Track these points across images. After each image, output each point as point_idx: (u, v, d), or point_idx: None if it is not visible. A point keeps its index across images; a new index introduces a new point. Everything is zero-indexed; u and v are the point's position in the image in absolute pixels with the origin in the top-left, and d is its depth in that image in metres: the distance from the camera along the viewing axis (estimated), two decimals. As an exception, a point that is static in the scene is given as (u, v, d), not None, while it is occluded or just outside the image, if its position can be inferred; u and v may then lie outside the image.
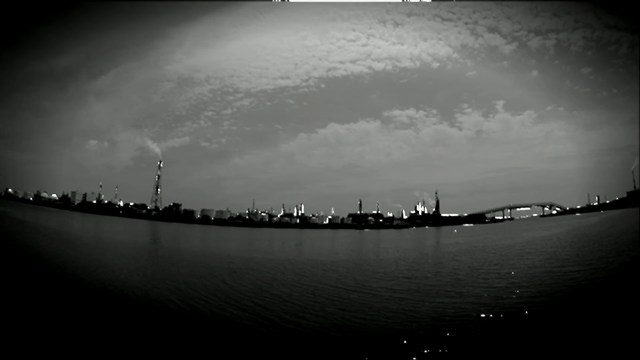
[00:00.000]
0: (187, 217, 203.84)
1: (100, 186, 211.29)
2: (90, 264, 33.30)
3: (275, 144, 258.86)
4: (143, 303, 21.70)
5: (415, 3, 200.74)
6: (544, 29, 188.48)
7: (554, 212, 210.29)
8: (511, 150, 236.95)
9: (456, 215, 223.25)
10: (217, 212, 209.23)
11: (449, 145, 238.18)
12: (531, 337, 15.64)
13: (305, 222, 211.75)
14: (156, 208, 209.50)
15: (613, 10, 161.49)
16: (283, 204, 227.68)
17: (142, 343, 15.37)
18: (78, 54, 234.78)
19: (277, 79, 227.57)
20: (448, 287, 25.57)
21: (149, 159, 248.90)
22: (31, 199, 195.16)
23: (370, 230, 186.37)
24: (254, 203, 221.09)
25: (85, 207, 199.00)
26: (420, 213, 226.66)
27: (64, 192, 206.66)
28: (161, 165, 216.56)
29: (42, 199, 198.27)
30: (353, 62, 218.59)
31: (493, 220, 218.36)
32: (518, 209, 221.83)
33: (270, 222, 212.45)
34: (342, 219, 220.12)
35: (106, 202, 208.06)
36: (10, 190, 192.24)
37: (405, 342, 15.54)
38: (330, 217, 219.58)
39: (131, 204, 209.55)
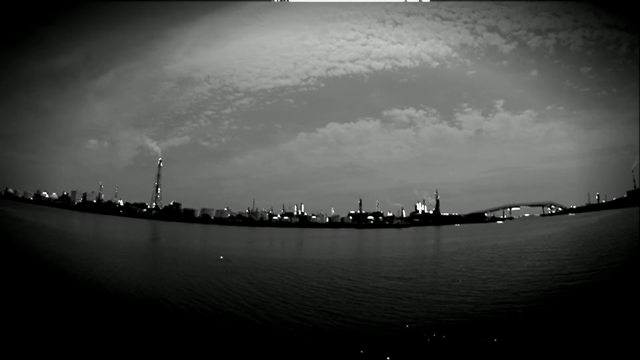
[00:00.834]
0: (187, 216, 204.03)
1: (101, 185, 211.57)
2: (90, 263, 33.35)
3: (275, 143, 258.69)
4: (141, 302, 21.73)
5: (415, 3, 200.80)
6: (543, 28, 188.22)
7: (554, 211, 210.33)
8: (511, 150, 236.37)
9: (456, 214, 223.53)
10: (217, 211, 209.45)
11: (448, 144, 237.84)
12: (529, 337, 15.57)
13: (305, 222, 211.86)
14: (156, 207, 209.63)
15: (613, 10, 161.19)
16: (283, 204, 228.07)
17: (138, 341, 15.35)
18: (78, 54, 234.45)
19: (277, 79, 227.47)
20: (444, 288, 25.47)
21: (149, 159, 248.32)
22: (31, 198, 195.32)
23: (370, 229, 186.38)
24: (254, 202, 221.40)
25: (86, 206, 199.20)
26: (420, 212, 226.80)
27: (64, 192, 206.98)
28: (161, 164, 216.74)
29: (42, 199, 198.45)
30: (352, 61, 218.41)
31: (493, 219, 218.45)
32: (518, 209, 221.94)
33: (270, 222, 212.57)
34: (342, 218, 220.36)
35: (106, 201, 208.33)
36: (10, 189, 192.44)
37: (400, 343, 15.48)
38: (330, 216, 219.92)
39: (131, 203, 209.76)
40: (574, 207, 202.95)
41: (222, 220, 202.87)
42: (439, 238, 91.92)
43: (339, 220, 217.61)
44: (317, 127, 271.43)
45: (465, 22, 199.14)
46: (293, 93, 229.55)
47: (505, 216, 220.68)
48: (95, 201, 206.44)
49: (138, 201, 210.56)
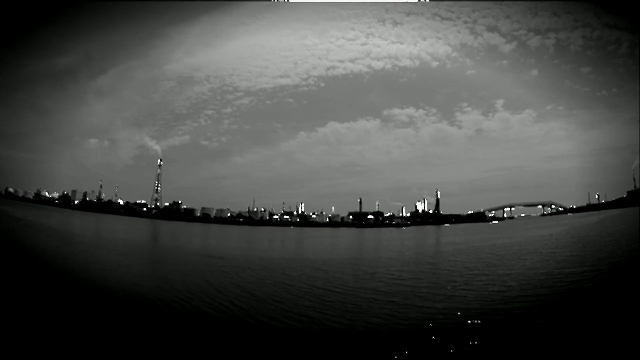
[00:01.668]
0: (187, 215, 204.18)
1: (101, 185, 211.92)
2: (89, 262, 33.43)
3: (275, 142, 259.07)
4: (139, 301, 21.74)
5: (414, 2, 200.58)
6: (543, 28, 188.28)
7: (554, 211, 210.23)
8: (511, 149, 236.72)
9: (456, 213, 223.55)
10: (217, 210, 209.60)
11: (448, 143, 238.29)
12: (526, 339, 15.52)
13: (305, 221, 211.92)
14: (156, 206, 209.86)
15: (612, 10, 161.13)
16: (283, 203, 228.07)
17: (134, 340, 15.34)
18: (78, 54, 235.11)
19: (277, 78, 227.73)
20: (439, 290, 25.13)
21: (149, 158, 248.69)
22: (31, 197, 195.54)
23: (370, 228, 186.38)
24: (254, 201, 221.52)
25: (86, 205, 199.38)
26: (420, 211, 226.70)
27: (64, 191, 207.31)
28: (161, 163, 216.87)
29: (42, 198, 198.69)
30: (352, 61, 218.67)
31: (493, 219, 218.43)
32: (518, 208, 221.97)
33: (270, 221, 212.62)
34: (342, 217, 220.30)
35: (106, 200, 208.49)
36: (10, 189, 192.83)
37: (393, 344, 15.42)
38: (330, 215, 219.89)
39: (131, 202, 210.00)
40: (574, 206, 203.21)
41: (222, 220, 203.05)
42: (438, 237, 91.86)
43: (339, 220, 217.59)
44: (317, 127, 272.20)
45: (465, 22, 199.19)
46: (293, 92, 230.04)
47: (505, 215, 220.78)
48: (95, 200, 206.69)
49: (138, 200, 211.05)
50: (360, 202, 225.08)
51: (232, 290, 25.14)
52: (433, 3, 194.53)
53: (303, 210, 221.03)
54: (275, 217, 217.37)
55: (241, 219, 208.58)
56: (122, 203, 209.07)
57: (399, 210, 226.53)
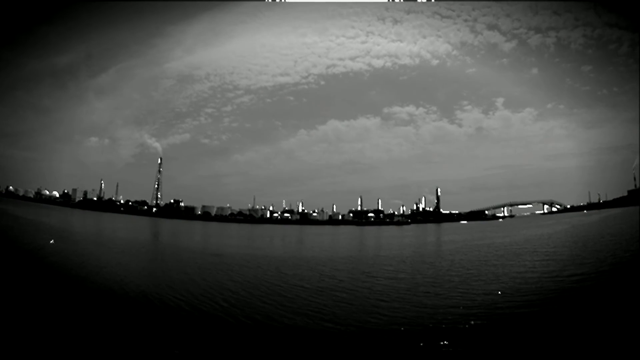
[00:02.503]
0: (188, 213, 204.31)
1: (101, 183, 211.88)
2: (89, 261, 33.49)
3: (276, 140, 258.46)
4: (137, 300, 21.79)
5: (414, 1, 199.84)
6: (543, 26, 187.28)
7: (555, 209, 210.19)
8: (511, 148, 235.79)
9: (457, 212, 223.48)
10: (217, 208, 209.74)
11: (449, 142, 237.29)
12: (523, 340, 15.46)
13: (305, 219, 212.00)
14: (157, 205, 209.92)
15: (613, 9, 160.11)
16: (284, 200, 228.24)
17: (130, 339, 15.35)
18: (78, 52, 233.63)
19: (277, 76, 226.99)
20: (437, 289, 24.97)
21: (150, 156, 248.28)
22: (32, 196, 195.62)
23: (370, 226, 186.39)
24: (254, 199, 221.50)
25: (86, 204, 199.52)
26: (421, 210, 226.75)
27: (64, 190, 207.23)
28: (162, 162, 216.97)
29: (43, 197, 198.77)
30: (352, 59, 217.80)
31: (494, 217, 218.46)
32: (518, 207, 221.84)
33: (270, 219, 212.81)
34: (343, 215, 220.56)
35: (107, 199, 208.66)
36: (11, 188, 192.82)
37: (382, 346, 15.32)
38: (330, 213, 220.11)
39: (132, 200, 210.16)
40: (575, 205, 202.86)
41: (222, 218, 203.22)
42: (438, 236, 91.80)
43: (340, 218, 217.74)
44: (318, 125, 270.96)
45: (465, 20, 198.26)
46: (293, 90, 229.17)
47: (505, 214, 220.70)
48: (96, 199, 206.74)
49: (139, 199, 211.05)
50: (361, 200, 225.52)
51: (223, 289, 25.10)
52: (433, 2, 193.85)
53: (303, 208, 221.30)
54: (275, 215, 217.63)
55: (241, 217, 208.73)
56: (122, 201, 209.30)
57: (399, 208, 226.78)
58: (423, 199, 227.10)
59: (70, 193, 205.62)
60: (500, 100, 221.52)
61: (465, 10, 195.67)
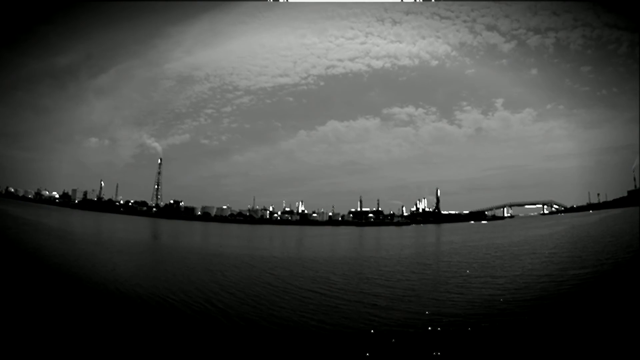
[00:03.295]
0: (188, 214, 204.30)
1: (101, 184, 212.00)
2: (89, 261, 33.51)
3: (275, 141, 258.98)
4: (135, 300, 21.79)
5: (413, 2, 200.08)
6: (543, 27, 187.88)
7: (554, 209, 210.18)
8: (511, 148, 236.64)
9: (456, 212, 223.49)
10: (217, 209, 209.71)
11: (448, 142, 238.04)
12: (520, 345, 15.36)
13: (305, 219, 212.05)
14: (157, 205, 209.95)
15: (612, 9, 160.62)
16: (283, 201, 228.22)
17: (127, 339, 15.33)
18: (78, 53, 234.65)
19: (277, 77, 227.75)
20: (432, 292, 24.61)
21: (150, 157, 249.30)
22: (32, 197, 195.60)
23: (370, 227, 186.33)
24: (254, 200, 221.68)
25: (86, 204, 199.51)
26: (420, 210, 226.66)
27: (64, 190, 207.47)
28: (161, 162, 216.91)
29: (43, 197, 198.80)
30: (352, 60, 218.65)
31: (494, 217, 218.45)
32: (518, 207, 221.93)
33: (270, 219, 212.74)
34: (343, 215, 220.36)
35: (107, 199, 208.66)
36: (10, 188, 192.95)
37: (368, 349, 15.20)
38: (330, 214, 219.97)
39: (132, 201, 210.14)
40: (574, 206, 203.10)
41: (222, 218, 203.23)
42: (437, 237, 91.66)
43: (339, 218, 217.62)
44: (317, 125, 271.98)
45: (465, 21, 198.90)
46: (293, 91, 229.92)
47: (505, 215, 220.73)
48: (95, 199, 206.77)
49: (139, 199, 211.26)
50: (361, 201, 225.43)
51: (213, 290, 25.08)
52: (432, 2, 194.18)
53: (303, 208, 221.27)
54: (275, 215, 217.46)
55: (241, 218, 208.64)
56: (122, 202, 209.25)
57: (399, 209, 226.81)
58: (423, 199, 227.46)
59: (70, 193, 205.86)
60: (499, 101, 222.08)
61: (464, 11, 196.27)
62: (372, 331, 17.16)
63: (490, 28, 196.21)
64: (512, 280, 27.04)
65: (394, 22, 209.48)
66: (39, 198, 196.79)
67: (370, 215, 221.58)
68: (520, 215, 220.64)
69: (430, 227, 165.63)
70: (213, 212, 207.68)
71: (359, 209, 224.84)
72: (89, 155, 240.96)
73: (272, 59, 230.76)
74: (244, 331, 17.38)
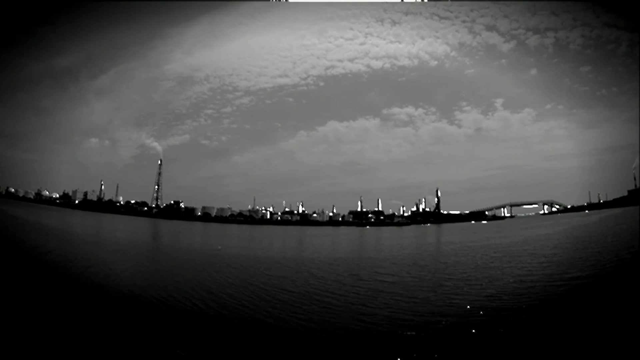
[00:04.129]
0: (188, 214, 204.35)
1: (101, 184, 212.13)
2: (89, 261, 33.57)
3: (275, 141, 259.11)
4: (134, 300, 21.87)
5: (412, 2, 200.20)
6: (542, 27, 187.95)
7: (554, 209, 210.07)
8: (511, 148, 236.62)
9: (457, 212, 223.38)
10: (217, 209, 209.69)
11: (448, 143, 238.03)
12: (518, 349, 15.29)
13: (306, 220, 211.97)
14: (157, 206, 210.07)
15: (612, 9, 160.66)
16: (284, 201, 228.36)
17: (125, 338, 15.36)
18: (78, 54, 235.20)
19: (276, 78, 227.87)
20: (427, 294, 24.30)
21: (150, 157, 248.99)
22: (32, 197, 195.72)
23: (370, 227, 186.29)
24: (254, 200, 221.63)
25: (86, 205, 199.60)
26: (421, 210, 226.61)
27: (64, 191, 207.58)
28: (162, 163, 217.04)
29: (43, 198, 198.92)
30: (351, 60, 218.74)
31: (494, 217, 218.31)
32: (519, 207, 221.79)
33: (271, 220, 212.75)
34: (343, 216, 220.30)
35: (107, 200, 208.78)
36: (11, 189, 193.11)
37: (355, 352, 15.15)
38: (331, 214, 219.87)
39: (132, 201, 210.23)
40: (575, 205, 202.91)
41: (222, 219, 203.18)
42: (436, 237, 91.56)
43: (340, 219, 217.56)
44: (317, 126, 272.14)
45: (464, 21, 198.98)
46: (292, 92, 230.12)
47: (505, 214, 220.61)
48: (96, 200, 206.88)
49: (139, 199, 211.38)
50: (361, 201, 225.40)
51: (209, 290, 25.13)
52: (431, 3, 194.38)
53: (303, 209, 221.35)
54: (275, 215, 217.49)
55: (242, 218, 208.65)
56: (122, 202, 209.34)
57: (399, 209, 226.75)
58: (423, 199, 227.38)
59: (70, 194, 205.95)
60: (499, 101, 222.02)
61: (463, 11, 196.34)
62: (364, 332, 17.13)
63: (489, 28, 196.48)
64: (511, 281, 26.92)
65: (393, 23, 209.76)
66: (39, 199, 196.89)
67: (371, 215, 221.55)
68: (521, 215, 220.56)
69: (430, 227, 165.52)
70: (213, 213, 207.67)
71: (359, 210, 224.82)
72: (89, 155, 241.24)
73: (272, 59, 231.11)
74: (238, 331, 17.41)
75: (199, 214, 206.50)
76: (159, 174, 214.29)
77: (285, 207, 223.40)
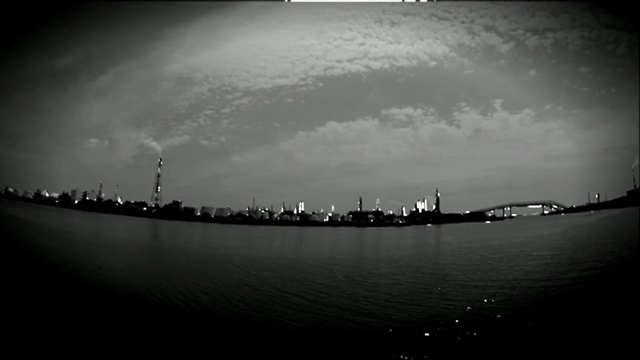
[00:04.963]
0: (188, 214, 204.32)
1: (101, 184, 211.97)
2: (89, 262, 33.54)
3: (275, 142, 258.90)
4: (131, 300, 21.89)
5: (412, 3, 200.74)
6: (541, 28, 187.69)
7: (554, 209, 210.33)
8: (510, 149, 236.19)
9: (456, 213, 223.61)
10: (217, 209, 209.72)
11: (447, 143, 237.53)
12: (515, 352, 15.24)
13: (305, 220, 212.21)
14: (156, 206, 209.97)
15: (611, 9, 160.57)
16: (283, 202, 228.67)
17: (125, 339, 15.32)
18: (78, 54, 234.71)
19: (275, 78, 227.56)
20: (421, 297, 23.86)
21: (149, 157, 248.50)
22: (31, 197, 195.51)
23: (370, 228, 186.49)
24: (254, 201, 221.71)
25: (86, 205, 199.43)
26: (420, 211, 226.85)
27: (64, 191, 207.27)
28: (161, 163, 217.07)
29: (42, 198, 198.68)
30: (350, 61, 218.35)
31: (493, 218, 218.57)
32: (518, 207, 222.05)
33: (270, 220, 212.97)
34: (343, 216, 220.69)
35: (106, 200, 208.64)
36: (10, 189, 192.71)
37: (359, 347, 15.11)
38: (330, 214, 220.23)
39: (131, 201, 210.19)
40: (574, 206, 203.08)
41: (222, 219, 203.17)
42: (435, 237, 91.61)
43: (339, 219, 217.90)
44: (316, 126, 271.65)
45: (463, 22, 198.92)
46: (292, 92, 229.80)
47: (504, 215, 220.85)
48: (95, 200, 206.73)
49: (138, 200, 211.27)
50: (360, 202, 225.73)
51: (206, 290, 25.12)
52: (430, 3, 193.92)
53: (303, 209, 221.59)
54: (275, 216, 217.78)
55: (241, 218, 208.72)
56: (122, 202, 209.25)
57: (398, 210, 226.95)
58: (422, 200, 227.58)
59: (69, 194, 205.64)
60: (498, 102, 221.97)
61: (462, 11, 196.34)
62: (362, 333, 17.08)
63: (488, 29, 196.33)
64: (511, 281, 26.86)
65: (392, 24, 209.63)
66: (39, 199, 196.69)
67: (370, 215, 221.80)
68: (520, 215, 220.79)
69: (430, 228, 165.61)
70: (213, 213, 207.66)
71: (358, 210, 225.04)
72: (88, 156, 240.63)
73: (271, 60, 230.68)
74: (234, 331, 17.40)
75: (199, 214, 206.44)
76: (159, 174, 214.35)
77: (285, 208, 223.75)
